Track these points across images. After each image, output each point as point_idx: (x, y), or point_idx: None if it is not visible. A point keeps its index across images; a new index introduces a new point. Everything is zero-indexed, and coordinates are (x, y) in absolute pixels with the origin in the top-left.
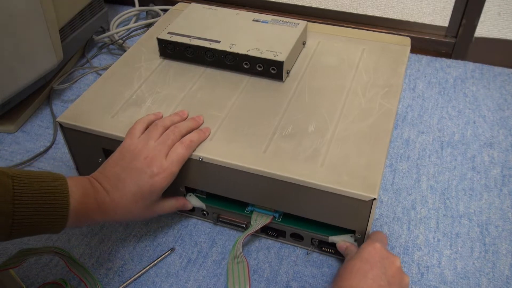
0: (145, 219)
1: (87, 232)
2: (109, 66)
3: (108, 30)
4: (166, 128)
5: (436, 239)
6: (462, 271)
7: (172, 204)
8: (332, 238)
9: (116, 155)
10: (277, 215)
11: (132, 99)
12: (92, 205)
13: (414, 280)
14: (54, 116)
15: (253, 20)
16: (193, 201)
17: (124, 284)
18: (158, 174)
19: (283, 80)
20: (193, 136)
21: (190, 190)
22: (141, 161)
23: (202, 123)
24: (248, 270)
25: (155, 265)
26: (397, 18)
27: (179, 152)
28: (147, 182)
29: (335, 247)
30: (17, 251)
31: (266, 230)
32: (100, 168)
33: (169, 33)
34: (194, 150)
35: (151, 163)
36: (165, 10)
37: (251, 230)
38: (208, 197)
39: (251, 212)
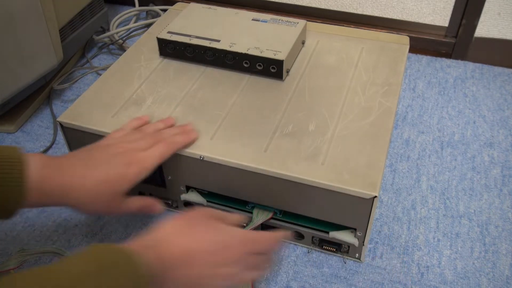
0: (107, 213)
1: (87, 232)
2: (109, 66)
3: (108, 30)
4: (147, 134)
5: (436, 239)
6: (462, 271)
7: (137, 202)
8: (333, 234)
9: (91, 145)
10: (278, 211)
11: (133, 98)
12: (55, 175)
13: (414, 280)
14: (54, 116)
15: (253, 20)
16: (194, 197)
17: None
18: (130, 165)
19: (283, 79)
20: (177, 137)
21: (190, 189)
22: (117, 148)
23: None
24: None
25: None
26: (397, 18)
27: (157, 148)
28: (117, 170)
29: (336, 245)
30: (16, 252)
31: (267, 229)
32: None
33: (168, 32)
34: (174, 151)
35: (126, 153)
36: (165, 10)
37: (252, 225)
38: (209, 193)
39: (253, 207)
